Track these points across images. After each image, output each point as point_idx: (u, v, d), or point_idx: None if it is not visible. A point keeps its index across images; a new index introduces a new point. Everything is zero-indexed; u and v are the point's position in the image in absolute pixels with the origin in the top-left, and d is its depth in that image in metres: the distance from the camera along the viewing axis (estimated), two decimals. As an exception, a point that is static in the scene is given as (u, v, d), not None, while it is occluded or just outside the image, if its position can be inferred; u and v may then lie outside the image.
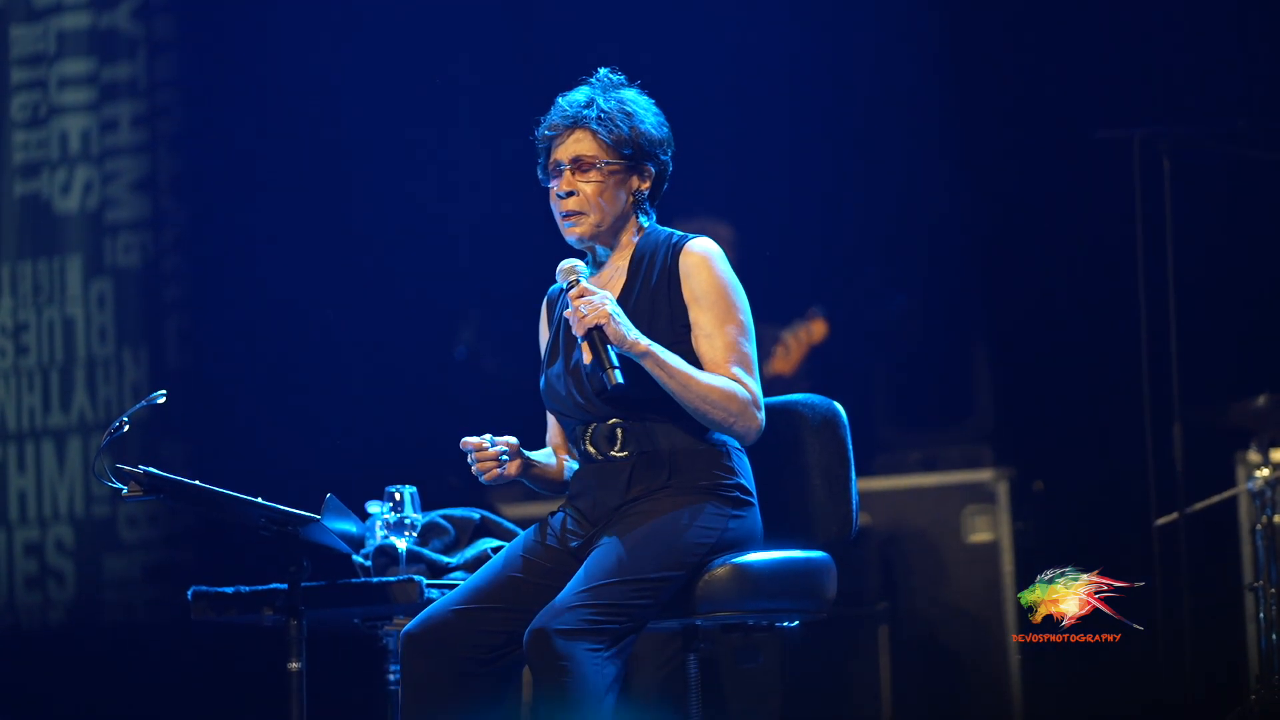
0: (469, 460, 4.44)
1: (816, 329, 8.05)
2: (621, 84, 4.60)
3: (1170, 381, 6.98)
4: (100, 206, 9.05)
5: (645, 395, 4.38)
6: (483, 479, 4.45)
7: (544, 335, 4.74)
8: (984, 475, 7.74)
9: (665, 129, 4.59)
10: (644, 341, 4.27)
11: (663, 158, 4.58)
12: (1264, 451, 6.85)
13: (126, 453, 7.81)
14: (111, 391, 8.95)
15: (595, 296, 4.28)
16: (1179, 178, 7.03)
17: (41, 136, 9.14)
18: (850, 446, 4.70)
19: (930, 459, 7.88)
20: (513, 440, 4.49)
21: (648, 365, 4.28)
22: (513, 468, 4.50)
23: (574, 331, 4.28)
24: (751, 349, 4.43)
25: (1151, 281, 7.06)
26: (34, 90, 9.18)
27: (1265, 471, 6.72)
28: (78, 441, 8.98)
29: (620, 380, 4.22)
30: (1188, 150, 7.08)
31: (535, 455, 4.60)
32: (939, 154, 8.17)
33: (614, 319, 4.24)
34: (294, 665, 4.46)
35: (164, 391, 4.52)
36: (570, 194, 4.50)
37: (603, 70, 4.62)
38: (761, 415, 4.38)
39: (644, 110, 4.56)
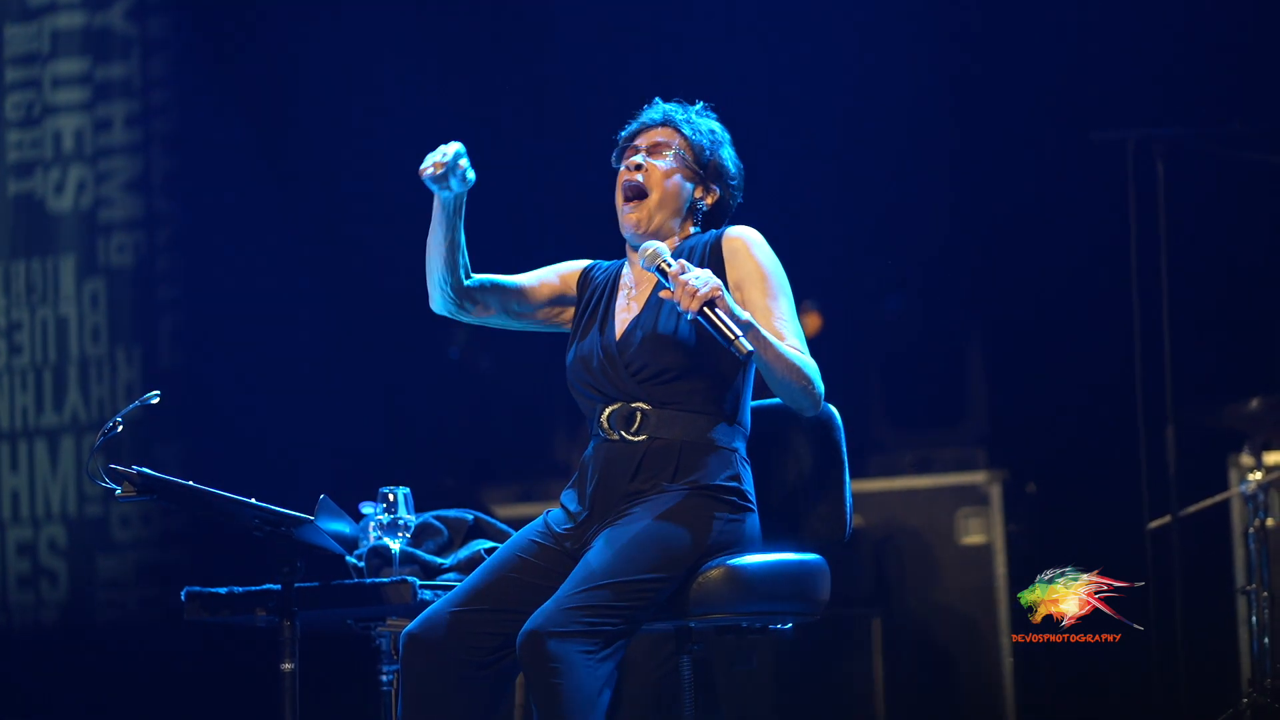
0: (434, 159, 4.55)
1: (810, 322, 8.05)
2: (713, 116, 4.78)
3: (1163, 384, 6.99)
4: (94, 206, 9.05)
5: (667, 383, 4.44)
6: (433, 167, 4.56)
7: (569, 267, 4.83)
8: (977, 477, 7.74)
9: (739, 168, 4.75)
10: (745, 314, 4.29)
11: (730, 186, 4.72)
12: (1256, 454, 6.84)
13: (119, 453, 7.80)
14: (104, 391, 8.95)
15: (701, 273, 4.28)
16: (1173, 180, 7.04)
17: (35, 136, 9.14)
18: (844, 448, 4.70)
19: (923, 461, 7.89)
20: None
21: (749, 337, 4.27)
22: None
23: (682, 308, 4.24)
24: (800, 325, 4.49)
25: (1145, 284, 7.06)
26: (28, 89, 9.18)
27: (1258, 475, 6.73)
28: (70, 441, 8.98)
29: (751, 348, 4.20)
30: (1182, 153, 7.08)
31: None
32: (933, 156, 8.18)
33: (724, 291, 4.26)
34: (287, 666, 4.45)
35: (158, 392, 4.51)
36: (640, 169, 4.63)
37: (699, 104, 4.78)
38: (822, 386, 4.44)
39: (727, 143, 4.74)
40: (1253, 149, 7.19)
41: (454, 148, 4.53)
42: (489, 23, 8.68)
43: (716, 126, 4.73)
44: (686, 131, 4.67)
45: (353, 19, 8.70)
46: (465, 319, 4.75)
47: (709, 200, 4.69)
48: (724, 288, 4.26)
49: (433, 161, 4.53)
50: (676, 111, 4.71)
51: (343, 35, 8.70)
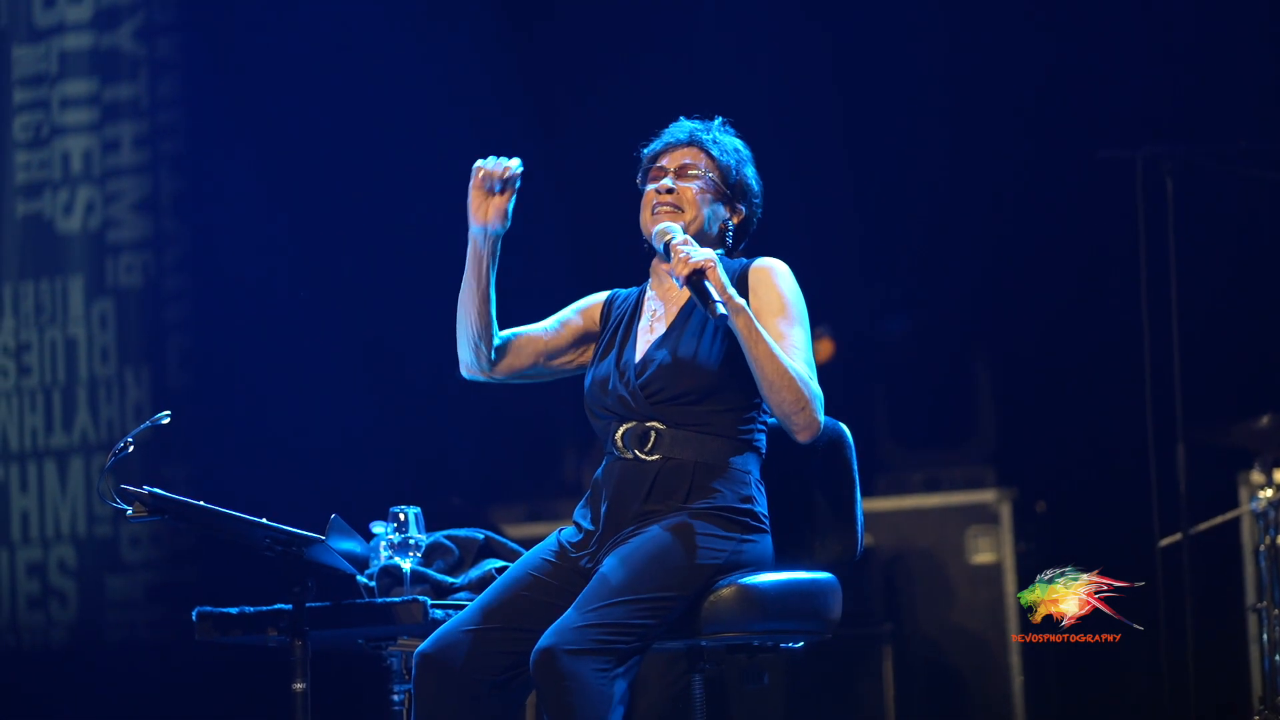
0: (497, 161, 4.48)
1: (823, 348, 8.05)
2: (733, 133, 4.76)
3: (1173, 402, 6.98)
4: (102, 226, 9.06)
5: (682, 405, 4.44)
6: (478, 165, 4.49)
7: (589, 303, 4.80)
8: (987, 496, 7.74)
9: (760, 185, 4.74)
10: (739, 299, 4.33)
11: (755, 205, 4.73)
12: (1267, 472, 6.84)
13: (129, 473, 7.79)
14: (113, 411, 8.95)
15: (701, 249, 4.37)
16: (1182, 198, 7.04)
17: (44, 157, 9.15)
18: (855, 468, 4.70)
19: (933, 480, 7.88)
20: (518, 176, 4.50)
21: (739, 323, 4.32)
22: (501, 203, 4.50)
23: (675, 274, 4.33)
24: (813, 357, 4.49)
25: (1154, 302, 7.06)
26: (36, 110, 9.19)
27: (1268, 492, 6.71)
28: (80, 461, 8.98)
29: (724, 313, 4.26)
30: (1191, 170, 7.09)
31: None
32: (943, 174, 8.18)
33: (718, 266, 4.32)
34: (298, 686, 4.45)
35: (168, 412, 4.51)
36: (670, 190, 4.61)
37: (718, 119, 4.75)
38: (823, 418, 4.43)
39: (750, 161, 4.73)
40: (1262, 166, 7.19)
41: (516, 162, 4.50)
42: (500, 40, 8.68)
43: (740, 144, 4.72)
44: (715, 153, 4.64)
45: (361, 37, 8.71)
46: (499, 380, 4.73)
47: (735, 220, 4.68)
48: (719, 264, 4.33)
49: (498, 165, 4.49)
50: (701, 131, 4.68)
51: (351, 54, 8.70)
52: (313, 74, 8.69)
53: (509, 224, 4.53)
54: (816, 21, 8.26)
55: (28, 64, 9.23)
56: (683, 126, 4.71)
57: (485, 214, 4.52)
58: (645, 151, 4.73)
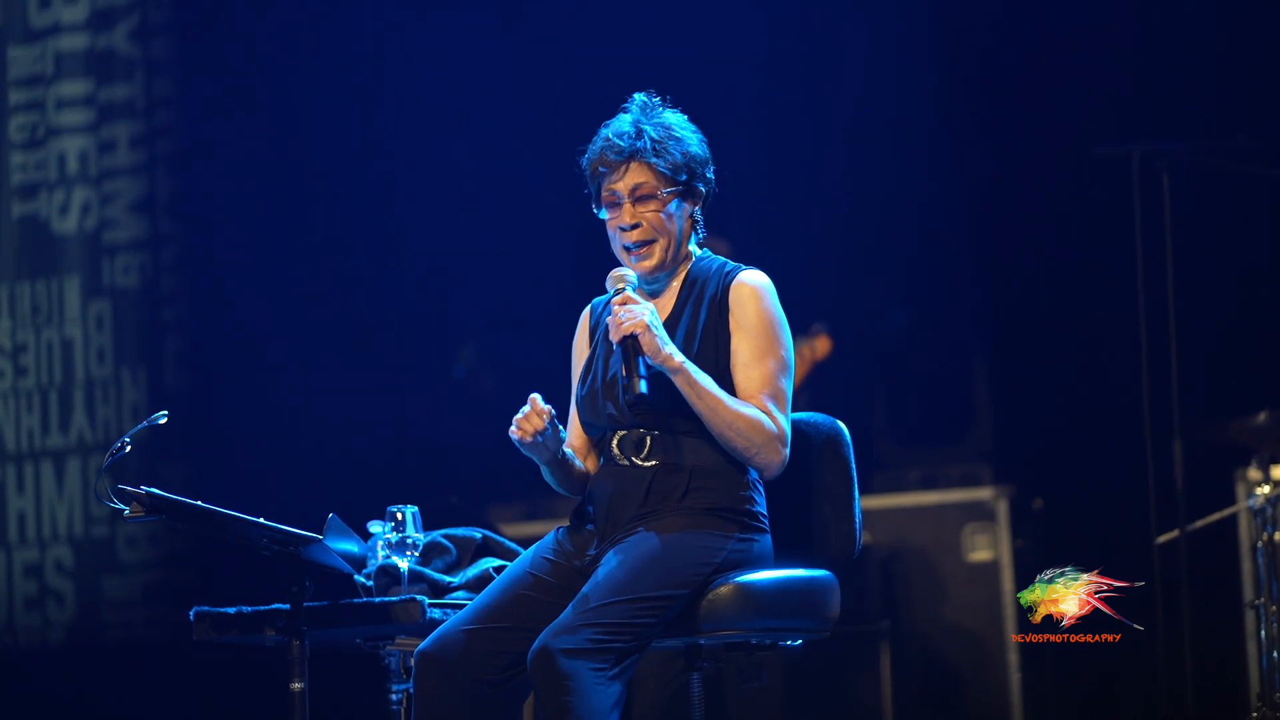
0: (520, 414, 4.38)
1: (820, 345, 8.05)
2: (660, 106, 4.60)
3: (1170, 398, 6.98)
4: (98, 227, 9.05)
5: (676, 410, 4.41)
6: (518, 437, 4.39)
7: (579, 344, 4.75)
8: (984, 493, 7.74)
9: (705, 145, 4.60)
10: (678, 358, 4.31)
11: (709, 176, 4.59)
12: (1264, 469, 6.83)
13: (125, 473, 7.78)
14: (110, 412, 8.95)
15: (638, 306, 4.32)
16: (1178, 194, 7.03)
17: (40, 157, 9.14)
18: (853, 465, 4.70)
19: (930, 477, 7.88)
20: (551, 410, 4.41)
21: (678, 382, 4.32)
22: (551, 434, 4.41)
23: (610, 338, 4.34)
24: (788, 386, 4.46)
25: (1151, 298, 7.06)
26: (32, 111, 9.18)
27: (1266, 489, 6.70)
28: (77, 462, 8.98)
29: (644, 390, 4.26)
30: (1187, 166, 7.08)
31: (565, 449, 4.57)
32: (939, 171, 8.18)
33: (651, 330, 4.29)
34: (296, 685, 4.45)
35: (165, 412, 4.51)
36: (635, 225, 4.51)
37: (639, 95, 4.60)
38: (786, 451, 4.41)
39: (688, 132, 4.56)
40: (1258, 162, 7.19)
41: (539, 401, 4.39)
42: (496, 40, 8.68)
43: (672, 123, 4.55)
44: (660, 165, 4.47)
45: (357, 37, 8.71)
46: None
47: (698, 204, 4.57)
48: (653, 327, 4.29)
49: (530, 417, 4.38)
50: (637, 139, 4.49)
51: (347, 54, 8.70)
52: (307, 73, 8.69)
53: (564, 438, 4.46)
54: (811, 16, 8.26)
55: (23, 65, 9.22)
56: (621, 134, 4.51)
57: (545, 450, 4.44)
58: (586, 161, 4.56)
